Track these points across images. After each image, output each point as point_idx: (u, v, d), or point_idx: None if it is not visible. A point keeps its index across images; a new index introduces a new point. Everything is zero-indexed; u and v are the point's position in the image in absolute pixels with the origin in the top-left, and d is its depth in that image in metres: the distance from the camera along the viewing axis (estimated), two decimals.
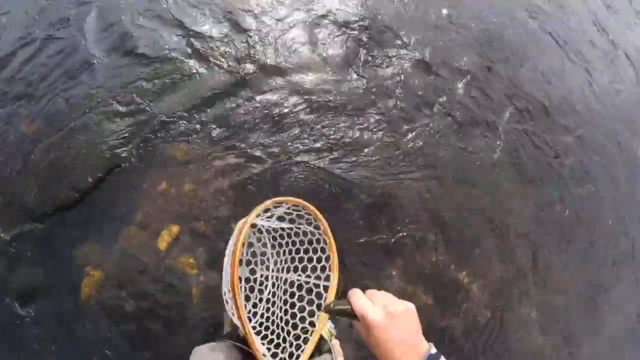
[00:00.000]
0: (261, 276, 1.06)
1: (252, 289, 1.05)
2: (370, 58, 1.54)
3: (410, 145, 1.45)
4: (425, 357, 0.60)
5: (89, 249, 1.47)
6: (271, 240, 1.04)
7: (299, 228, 0.92)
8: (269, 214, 0.92)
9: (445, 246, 1.42)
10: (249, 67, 1.43)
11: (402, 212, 1.38)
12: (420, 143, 1.46)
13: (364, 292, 0.71)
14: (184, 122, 1.36)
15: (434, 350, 0.62)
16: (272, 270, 1.04)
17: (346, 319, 0.71)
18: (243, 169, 1.31)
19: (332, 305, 0.73)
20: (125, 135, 1.42)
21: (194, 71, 1.43)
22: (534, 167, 1.65)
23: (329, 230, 0.82)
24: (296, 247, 0.95)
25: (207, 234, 1.29)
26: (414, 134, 1.47)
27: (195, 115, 1.36)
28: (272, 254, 1.04)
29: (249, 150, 1.32)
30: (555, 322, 1.62)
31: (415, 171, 1.43)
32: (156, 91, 1.38)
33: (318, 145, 1.37)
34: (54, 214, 1.53)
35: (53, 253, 1.53)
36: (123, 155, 1.41)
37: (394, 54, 1.56)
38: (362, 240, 1.34)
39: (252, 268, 1.05)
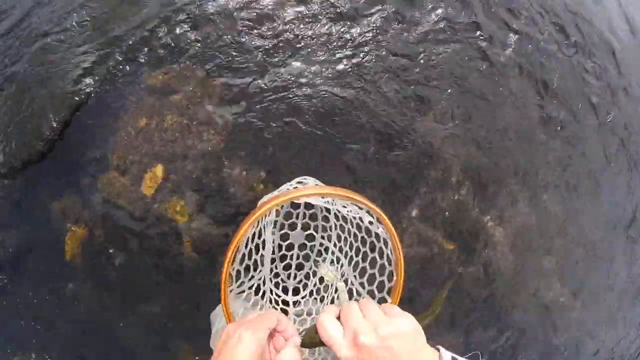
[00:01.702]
0: (320, 245, 0.94)
1: (307, 257, 0.95)
2: None
3: (431, 77, 1.23)
4: None
5: (67, 202, 1.30)
6: (333, 214, 0.89)
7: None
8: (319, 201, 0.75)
9: (469, 187, 1.26)
10: None
11: (422, 149, 1.20)
12: (443, 76, 1.24)
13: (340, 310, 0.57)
14: (159, 43, 1.13)
15: None
16: (335, 246, 0.90)
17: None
18: (234, 94, 1.10)
19: (303, 335, 0.59)
20: (88, 66, 1.19)
21: None
22: (572, 107, 1.45)
23: (398, 245, 0.64)
24: (357, 242, 0.81)
25: (196, 174, 1.12)
26: (435, 62, 1.24)
27: (172, 32, 1.12)
28: (335, 225, 0.90)
29: (240, 70, 1.11)
30: (573, 273, 1.54)
31: (437, 106, 1.23)
32: (121, 4, 1.13)
33: (325, 64, 1.15)
34: (22, 168, 1.34)
35: (29, 211, 1.37)
36: (89, 90, 1.20)
37: None
38: (377, 176, 1.17)
39: (311, 233, 0.93)
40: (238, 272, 0.75)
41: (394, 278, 0.68)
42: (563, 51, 1.49)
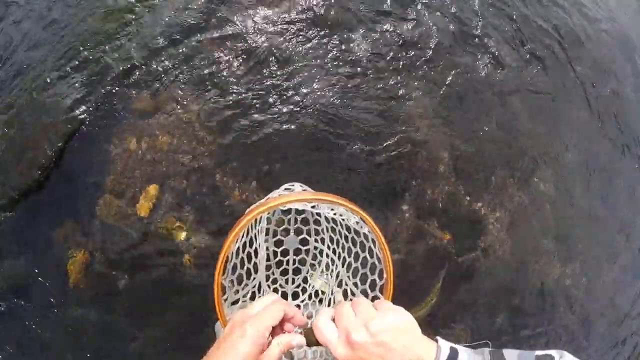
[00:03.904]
0: (315, 248, 0.96)
1: (303, 262, 0.96)
2: None
3: (415, 68, 1.26)
4: None
5: (67, 229, 1.32)
6: (324, 217, 0.91)
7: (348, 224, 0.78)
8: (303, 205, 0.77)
9: (459, 176, 1.28)
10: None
11: (409, 144, 1.22)
12: (427, 66, 1.27)
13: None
14: (145, 67, 1.16)
15: (444, 356, 0.50)
16: (329, 248, 0.92)
17: None
18: (220, 111, 1.13)
19: (305, 335, 0.60)
20: (80, 95, 1.22)
21: (148, 9, 1.21)
22: (554, 90, 1.48)
23: (385, 244, 0.65)
24: (348, 243, 0.82)
25: (190, 191, 1.14)
26: (418, 53, 1.27)
27: (157, 57, 1.15)
28: (326, 227, 0.92)
29: (225, 90, 1.13)
30: (574, 252, 1.55)
31: (422, 96, 1.25)
32: (107, 36, 1.17)
33: (306, 76, 1.18)
34: (21, 198, 1.36)
35: (30, 241, 1.39)
36: (81, 117, 1.22)
37: None
38: (366, 174, 1.20)
39: (304, 237, 0.95)
40: (232, 281, 0.76)
41: (385, 276, 0.69)
42: (544, 37, 1.52)
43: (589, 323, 1.66)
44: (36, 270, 1.38)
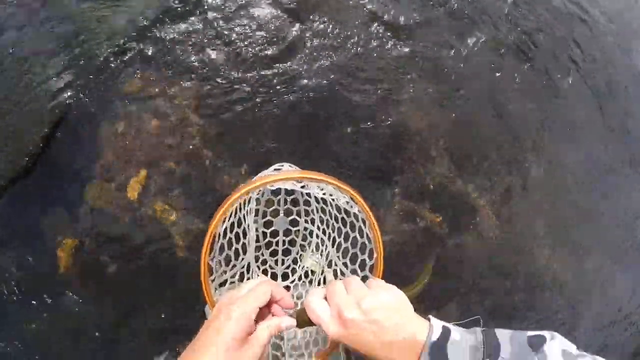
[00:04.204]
0: (305, 229, 0.96)
1: (292, 243, 0.96)
2: None
3: (410, 53, 1.26)
4: (427, 352, 0.46)
5: (57, 215, 1.31)
6: (313, 198, 0.90)
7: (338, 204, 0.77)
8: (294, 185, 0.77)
9: (451, 160, 1.29)
10: None
11: (400, 127, 1.23)
12: (418, 47, 1.27)
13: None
14: (134, 50, 1.14)
15: (436, 334, 0.48)
16: (319, 229, 0.91)
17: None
18: (210, 94, 1.12)
19: (297, 316, 0.60)
20: (66, 79, 1.21)
21: None
22: (546, 75, 1.48)
23: (374, 223, 0.65)
24: (338, 223, 0.81)
25: (179, 174, 1.14)
26: (414, 39, 1.27)
27: (146, 40, 1.14)
28: (317, 208, 0.91)
29: (215, 73, 1.13)
30: (564, 237, 1.56)
31: (416, 81, 1.25)
32: (94, 19, 1.15)
33: (298, 59, 1.18)
34: (8, 186, 1.35)
35: (18, 229, 1.37)
36: (69, 102, 1.21)
37: None
38: (358, 157, 1.20)
39: (294, 218, 0.95)
40: (219, 262, 0.76)
41: (374, 255, 0.69)
42: (536, 19, 1.53)
43: (578, 307, 1.69)
44: (25, 258, 1.37)
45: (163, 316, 1.26)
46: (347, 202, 0.73)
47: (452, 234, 1.30)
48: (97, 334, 1.35)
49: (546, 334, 0.47)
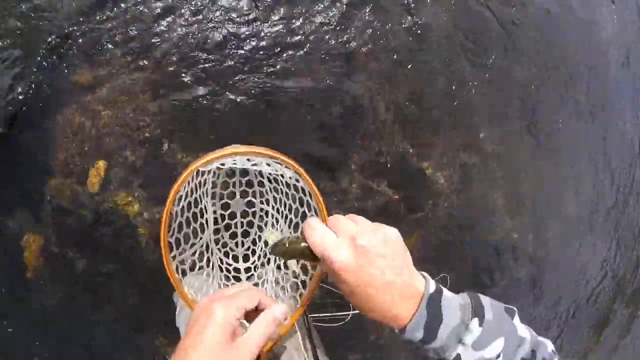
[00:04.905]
0: (261, 210, 0.94)
1: (250, 224, 0.95)
2: None
3: (362, 27, 1.25)
4: (425, 302, 0.45)
5: (19, 215, 1.28)
6: (266, 179, 0.90)
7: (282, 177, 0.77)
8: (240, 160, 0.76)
9: (406, 136, 1.30)
10: None
11: (354, 104, 1.23)
12: (374, 26, 1.26)
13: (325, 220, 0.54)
14: (81, 37, 1.12)
15: (432, 287, 0.47)
16: (273, 208, 0.91)
17: (306, 261, 0.59)
18: (164, 80, 1.10)
19: (283, 244, 0.56)
20: (14, 73, 1.18)
21: None
22: (497, 47, 1.49)
23: (319, 195, 0.64)
24: (285, 196, 0.81)
25: (138, 163, 1.12)
26: (368, 14, 1.26)
27: (92, 25, 1.11)
28: (270, 188, 0.90)
29: (168, 58, 1.11)
30: (521, 206, 1.59)
31: (369, 57, 1.25)
32: (33, 5, 1.12)
33: (250, 44, 1.16)
34: None
35: None
36: (20, 98, 1.18)
37: None
38: (312, 136, 1.20)
39: (250, 200, 0.93)
40: (178, 239, 0.76)
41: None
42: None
43: (540, 278, 1.74)
44: None
45: (135, 308, 1.26)
46: (291, 177, 0.73)
47: (411, 210, 1.32)
48: (69, 332, 1.34)
49: (514, 308, 0.49)
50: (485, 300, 0.49)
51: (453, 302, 0.47)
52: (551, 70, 1.59)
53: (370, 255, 0.45)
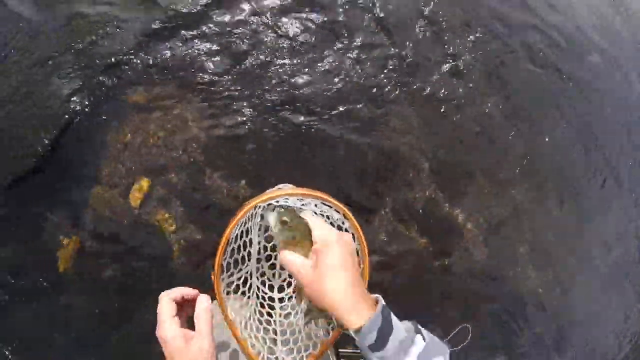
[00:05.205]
0: None
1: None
2: None
3: (403, 80, 1.30)
4: (381, 307, 0.50)
5: (58, 217, 1.35)
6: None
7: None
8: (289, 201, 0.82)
9: (438, 183, 1.33)
10: None
11: (392, 152, 1.26)
12: (407, 75, 1.31)
13: None
14: (140, 61, 1.19)
15: (383, 302, 0.52)
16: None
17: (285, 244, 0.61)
18: (213, 110, 1.16)
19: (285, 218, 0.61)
20: (75, 86, 1.25)
21: (142, 6, 1.23)
22: (530, 103, 1.52)
23: (363, 237, 0.71)
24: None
25: (180, 186, 1.17)
26: (407, 65, 1.31)
27: (152, 52, 1.18)
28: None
29: (218, 88, 1.17)
30: (547, 260, 1.59)
31: (403, 104, 1.29)
32: (102, 29, 1.19)
33: (291, 79, 1.21)
34: (13, 185, 1.38)
35: (21, 228, 1.41)
36: (77, 108, 1.25)
37: None
38: (349, 176, 1.23)
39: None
40: (228, 264, 0.82)
41: (361, 266, 0.74)
42: (522, 53, 1.56)
43: (562, 331, 1.70)
44: (25, 257, 1.41)
45: (155, 322, 1.28)
46: (339, 219, 0.78)
47: (437, 256, 1.33)
48: (89, 334, 1.38)
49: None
50: (426, 334, 0.53)
51: (399, 322, 0.52)
52: (586, 134, 1.59)
53: (348, 246, 0.56)
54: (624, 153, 1.77)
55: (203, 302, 0.58)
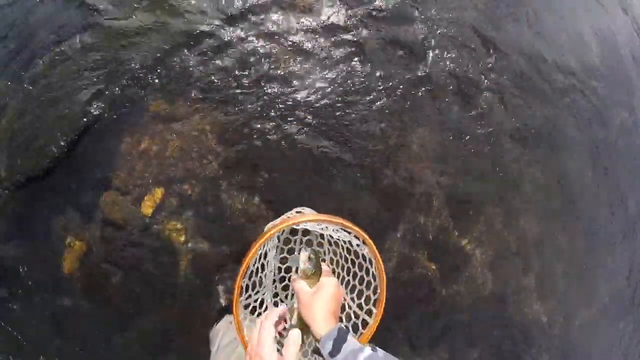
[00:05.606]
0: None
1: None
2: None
3: (410, 104, 1.31)
4: (337, 327, 0.67)
5: (68, 218, 1.35)
6: (327, 240, 0.99)
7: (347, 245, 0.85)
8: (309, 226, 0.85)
9: (449, 212, 1.34)
10: (232, 9, 1.25)
11: (405, 179, 1.27)
12: (422, 104, 1.32)
13: None
14: (162, 70, 1.20)
15: (343, 326, 0.68)
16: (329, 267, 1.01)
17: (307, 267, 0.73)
18: (232, 123, 1.17)
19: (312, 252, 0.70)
20: (95, 90, 1.26)
21: (167, 17, 1.25)
22: (544, 136, 1.53)
23: (381, 264, 0.75)
24: (346, 262, 0.91)
25: (194, 197, 1.17)
26: (424, 91, 1.32)
27: (174, 62, 1.19)
28: (327, 250, 1.00)
29: (238, 103, 1.18)
30: (553, 291, 1.60)
31: (418, 133, 1.30)
32: (126, 39, 1.21)
33: (311, 98, 1.23)
34: (26, 184, 1.39)
35: (29, 226, 1.41)
36: (96, 113, 1.26)
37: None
38: (362, 200, 1.24)
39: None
40: (247, 285, 0.83)
41: (378, 291, 0.76)
42: (539, 83, 1.57)
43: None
44: (31, 255, 1.41)
45: (158, 330, 1.28)
46: (358, 245, 0.79)
47: (445, 283, 1.33)
48: (90, 338, 1.37)
49: None
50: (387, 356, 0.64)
51: (357, 341, 0.65)
52: (598, 168, 1.60)
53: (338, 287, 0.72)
54: (635, 188, 1.77)
55: (294, 335, 0.67)
